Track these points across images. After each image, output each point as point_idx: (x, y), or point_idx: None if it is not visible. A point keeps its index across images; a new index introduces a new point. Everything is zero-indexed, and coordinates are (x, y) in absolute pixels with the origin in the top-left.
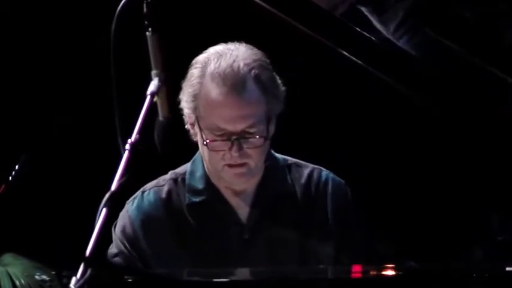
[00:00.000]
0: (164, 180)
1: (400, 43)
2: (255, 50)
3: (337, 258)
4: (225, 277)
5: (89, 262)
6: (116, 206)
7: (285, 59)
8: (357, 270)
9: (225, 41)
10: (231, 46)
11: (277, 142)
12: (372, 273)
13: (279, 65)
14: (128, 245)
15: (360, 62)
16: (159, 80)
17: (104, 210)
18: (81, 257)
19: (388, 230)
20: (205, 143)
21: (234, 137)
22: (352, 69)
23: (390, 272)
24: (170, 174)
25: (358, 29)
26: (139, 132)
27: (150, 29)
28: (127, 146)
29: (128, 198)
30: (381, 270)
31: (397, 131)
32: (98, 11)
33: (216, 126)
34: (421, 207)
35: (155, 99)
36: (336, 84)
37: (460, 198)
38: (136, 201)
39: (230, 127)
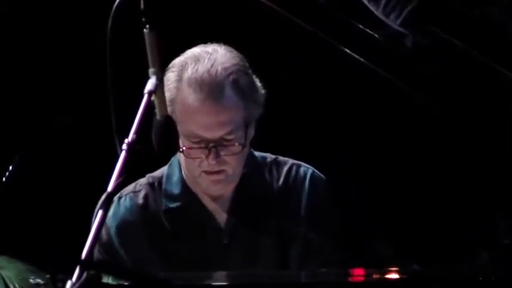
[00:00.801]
0: (141, 185)
1: (390, 19)
2: (234, 53)
3: (312, 256)
4: (222, 281)
5: (84, 265)
6: None
7: (285, 57)
8: (359, 273)
9: (225, 37)
10: (209, 49)
11: (277, 141)
12: (374, 276)
13: (277, 63)
14: (103, 253)
15: (358, 57)
16: (157, 79)
17: (101, 211)
18: (77, 260)
19: (390, 231)
20: (181, 150)
21: (211, 145)
22: (350, 66)
23: (393, 275)
24: (147, 178)
25: (356, 24)
26: (137, 131)
27: (147, 26)
28: (124, 146)
29: None
30: (384, 274)
31: (397, 130)
32: (96, 10)
33: (193, 133)
34: (424, 209)
35: (153, 97)
36: (335, 82)
37: (463, 199)
38: (112, 207)
39: (207, 134)
